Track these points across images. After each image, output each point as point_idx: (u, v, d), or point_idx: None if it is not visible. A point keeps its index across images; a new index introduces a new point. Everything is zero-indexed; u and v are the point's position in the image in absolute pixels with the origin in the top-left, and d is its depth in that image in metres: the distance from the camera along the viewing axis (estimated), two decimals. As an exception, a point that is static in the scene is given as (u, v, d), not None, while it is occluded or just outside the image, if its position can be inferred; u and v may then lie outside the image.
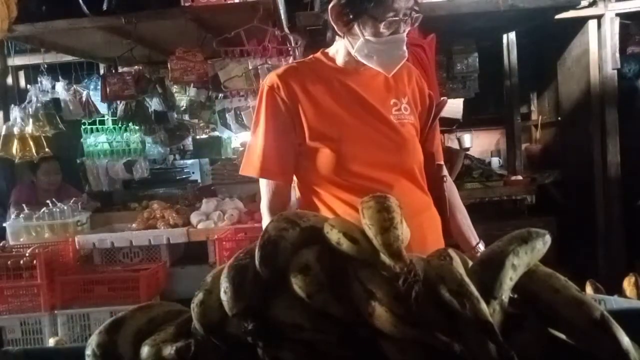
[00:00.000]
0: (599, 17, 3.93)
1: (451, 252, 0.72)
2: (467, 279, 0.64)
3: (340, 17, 1.35)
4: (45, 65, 4.13)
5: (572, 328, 0.66)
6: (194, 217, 3.32)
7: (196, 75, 3.50)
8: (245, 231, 3.16)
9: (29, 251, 2.91)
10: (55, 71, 4.29)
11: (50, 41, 3.92)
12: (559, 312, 0.66)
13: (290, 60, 3.19)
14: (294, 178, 1.48)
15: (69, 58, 4.37)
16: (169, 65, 3.54)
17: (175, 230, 3.24)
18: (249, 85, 3.31)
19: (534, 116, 5.20)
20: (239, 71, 3.33)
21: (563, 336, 0.68)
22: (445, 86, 4.28)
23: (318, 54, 1.49)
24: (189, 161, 6.43)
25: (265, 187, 1.44)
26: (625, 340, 0.63)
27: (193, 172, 6.21)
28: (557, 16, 3.78)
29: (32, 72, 4.41)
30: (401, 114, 1.43)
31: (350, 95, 1.41)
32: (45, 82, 4.09)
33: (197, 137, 6.17)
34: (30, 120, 3.89)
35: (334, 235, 0.73)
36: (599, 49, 3.98)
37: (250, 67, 3.29)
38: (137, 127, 4.58)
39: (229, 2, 3.23)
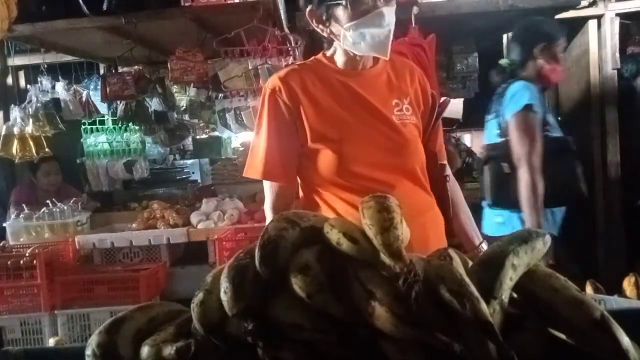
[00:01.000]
0: (599, 17, 3.92)
1: (451, 252, 0.72)
2: (467, 279, 0.64)
3: (320, 19, 1.39)
4: (45, 65, 4.12)
5: (572, 328, 0.66)
6: (194, 217, 3.32)
7: (196, 75, 3.50)
8: (245, 231, 3.15)
9: (29, 251, 2.91)
10: (55, 71, 4.27)
11: (50, 41, 3.92)
12: (558, 312, 0.66)
13: (290, 60, 3.19)
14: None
15: (69, 58, 4.36)
16: (169, 65, 3.53)
17: (175, 230, 3.24)
18: (249, 85, 3.31)
19: (533, 116, 5.19)
20: (239, 71, 3.32)
21: (563, 336, 0.68)
22: (445, 86, 4.28)
23: (319, 56, 1.50)
24: (189, 161, 6.41)
25: (268, 189, 1.45)
26: (625, 340, 0.63)
27: (193, 172, 6.19)
28: (557, 16, 3.76)
29: (32, 72, 4.39)
30: (403, 115, 1.43)
31: (352, 96, 1.41)
32: (45, 82, 4.08)
33: (197, 137, 6.15)
34: (30, 120, 3.88)
35: (334, 235, 0.73)
36: (599, 49, 3.97)
37: (250, 67, 3.28)
38: (137, 127, 4.56)
39: (229, 2, 3.23)
